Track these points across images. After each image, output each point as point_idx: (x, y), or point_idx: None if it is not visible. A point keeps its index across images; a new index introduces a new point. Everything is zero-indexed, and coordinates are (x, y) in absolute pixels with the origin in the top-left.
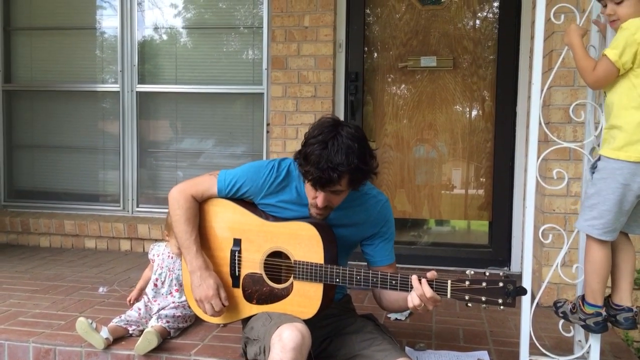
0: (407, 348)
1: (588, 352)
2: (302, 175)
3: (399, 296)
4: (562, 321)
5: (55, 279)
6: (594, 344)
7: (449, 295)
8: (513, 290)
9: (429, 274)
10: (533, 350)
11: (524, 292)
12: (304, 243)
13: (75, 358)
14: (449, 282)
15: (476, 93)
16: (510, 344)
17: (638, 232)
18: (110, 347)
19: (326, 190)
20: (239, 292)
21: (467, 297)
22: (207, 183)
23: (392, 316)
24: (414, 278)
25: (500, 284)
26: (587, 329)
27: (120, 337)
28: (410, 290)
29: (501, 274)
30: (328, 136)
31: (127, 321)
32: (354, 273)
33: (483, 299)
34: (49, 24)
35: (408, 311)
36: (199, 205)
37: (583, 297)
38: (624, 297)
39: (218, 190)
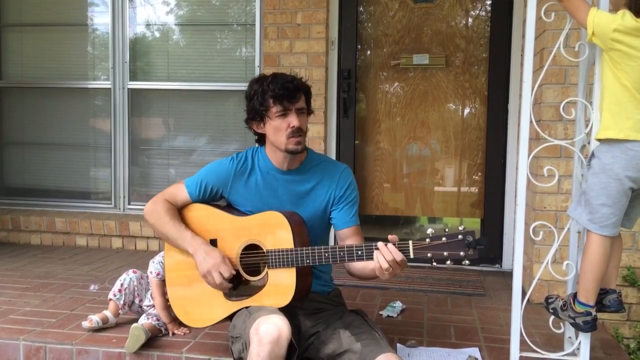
0: (398, 345)
1: (578, 349)
2: (265, 109)
3: (365, 266)
4: (552, 318)
5: (46, 277)
6: (584, 340)
7: (411, 255)
8: (473, 242)
9: (390, 237)
10: (524, 346)
11: (484, 242)
12: (274, 231)
13: (66, 356)
14: (410, 242)
15: (468, 91)
16: (501, 340)
17: (627, 225)
18: (101, 344)
19: (294, 105)
20: (219, 293)
21: (429, 255)
22: (175, 188)
23: (384, 313)
24: (380, 244)
25: (460, 237)
26: (576, 327)
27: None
28: (377, 257)
29: (460, 228)
30: (264, 75)
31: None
32: (322, 251)
33: (445, 254)
34: (40, 20)
35: (400, 308)
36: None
37: (575, 295)
38: (608, 281)
39: (189, 194)
